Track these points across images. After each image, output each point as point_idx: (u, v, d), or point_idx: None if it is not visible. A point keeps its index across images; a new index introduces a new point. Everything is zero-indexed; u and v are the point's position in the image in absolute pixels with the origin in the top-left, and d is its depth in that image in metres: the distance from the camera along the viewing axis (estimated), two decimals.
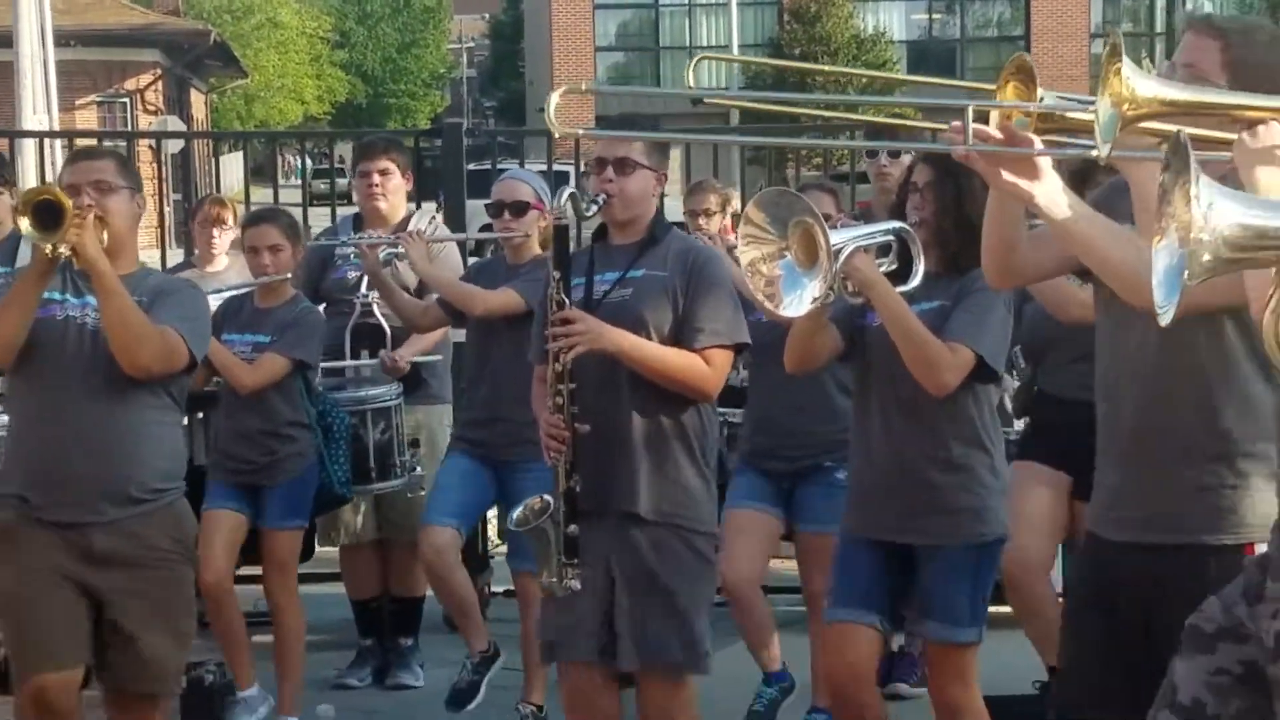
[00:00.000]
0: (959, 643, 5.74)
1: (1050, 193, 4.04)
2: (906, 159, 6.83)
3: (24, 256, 6.43)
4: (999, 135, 3.98)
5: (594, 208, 5.72)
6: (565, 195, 5.61)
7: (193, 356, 5.73)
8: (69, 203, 5.43)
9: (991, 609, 6.97)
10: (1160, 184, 3.12)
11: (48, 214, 5.40)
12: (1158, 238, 3.08)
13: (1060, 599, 7.42)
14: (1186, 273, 3.00)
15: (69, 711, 5.77)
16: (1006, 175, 4.02)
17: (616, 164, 5.69)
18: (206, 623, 8.76)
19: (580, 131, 5.07)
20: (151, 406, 5.74)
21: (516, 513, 5.81)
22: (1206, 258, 2.93)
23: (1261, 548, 4.19)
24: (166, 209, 15.75)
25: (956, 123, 4.01)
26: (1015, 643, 7.08)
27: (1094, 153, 3.70)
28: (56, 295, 5.71)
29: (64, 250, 5.42)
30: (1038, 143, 3.95)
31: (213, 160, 27.96)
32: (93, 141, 11.68)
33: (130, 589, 5.69)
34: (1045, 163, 4.00)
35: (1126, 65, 3.45)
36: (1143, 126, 3.60)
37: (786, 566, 7.76)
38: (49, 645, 5.70)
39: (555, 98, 4.11)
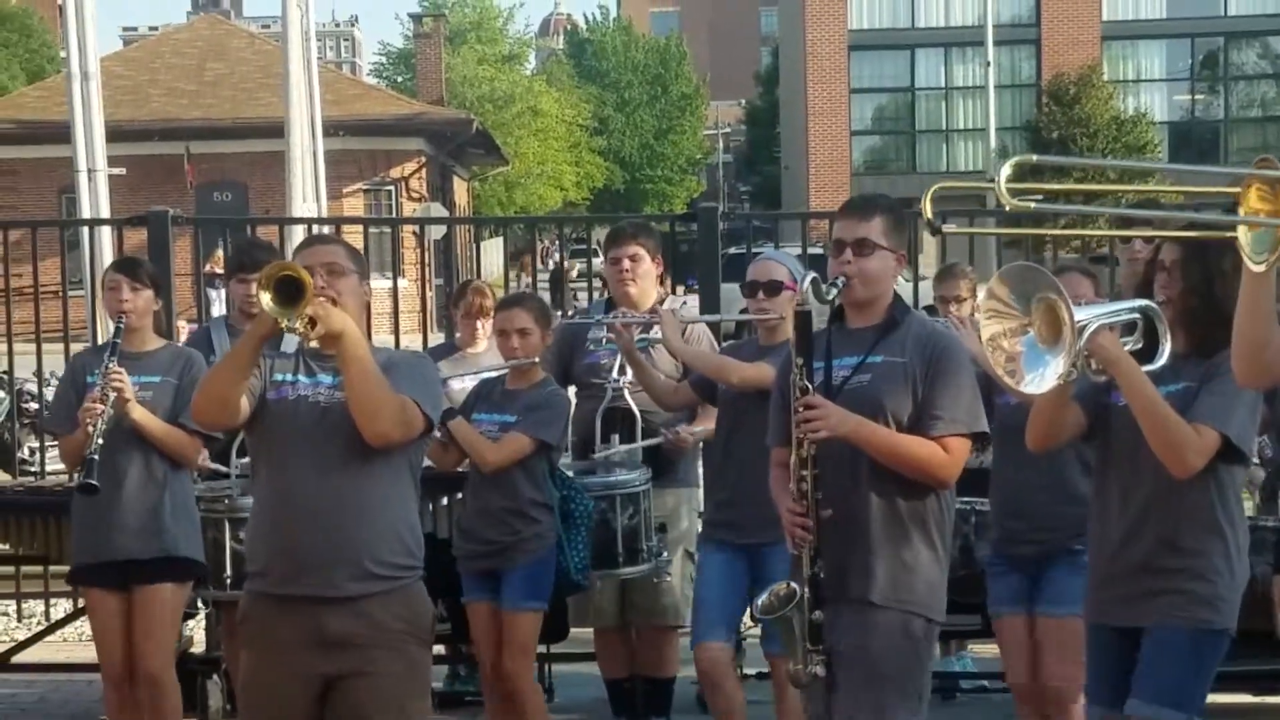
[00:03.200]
0: None
1: None
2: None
3: (289, 344, 6.53)
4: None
5: (834, 291, 5.68)
6: (808, 280, 5.59)
7: (429, 421, 5.75)
8: (309, 279, 5.44)
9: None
10: None
11: (288, 290, 5.42)
12: None
13: None
14: None
15: None
16: None
17: (855, 245, 5.66)
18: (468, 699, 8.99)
19: (1032, 205, 5.01)
20: (388, 480, 5.75)
21: (762, 600, 5.76)
22: None
23: None
24: (429, 293, 15.97)
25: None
26: None
27: None
28: (289, 377, 5.79)
29: (298, 326, 5.45)
30: None
31: (474, 245, 28.41)
32: (359, 228, 11.94)
33: (362, 670, 5.67)
34: None
35: None
36: None
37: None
38: None
39: (1007, 169, 4.06)
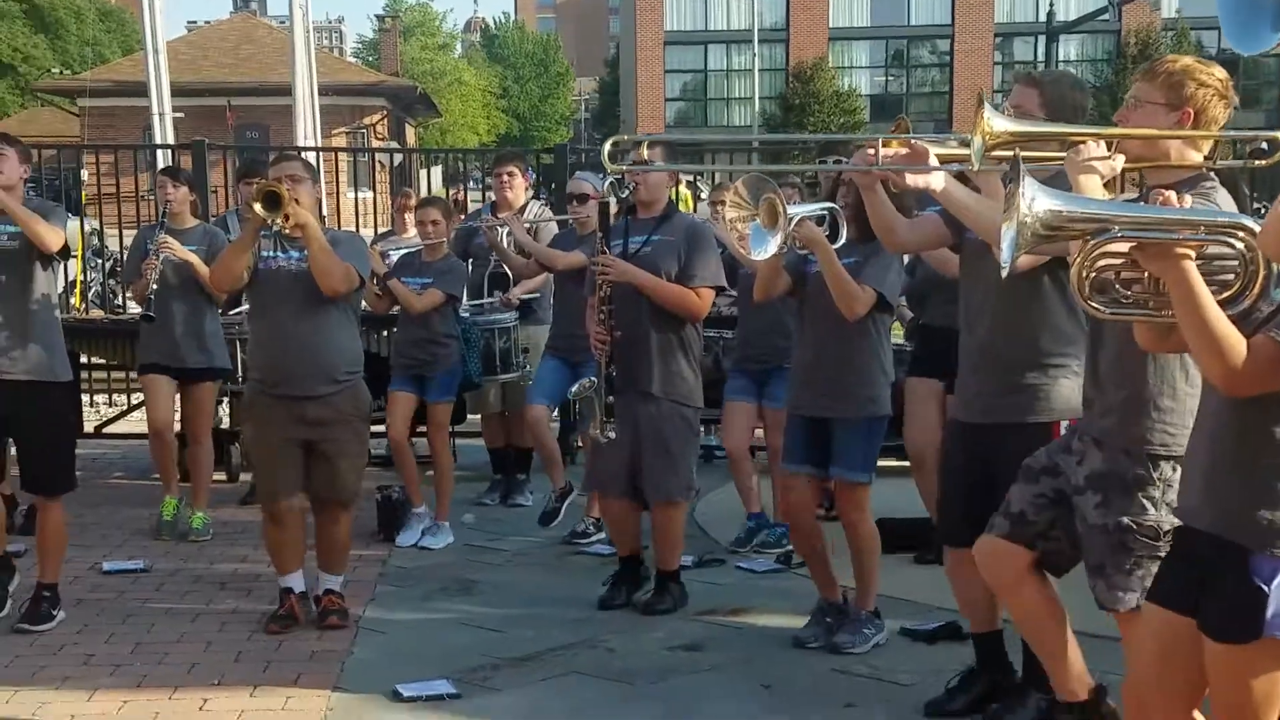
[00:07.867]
0: (856, 482, 5.50)
1: (941, 183, 4.08)
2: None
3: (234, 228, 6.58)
4: (904, 151, 4.00)
5: (625, 191, 5.87)
6: (607, 183, 5.81)
7: (361, 279, 5.77)
8: (285, 192, 5.48)
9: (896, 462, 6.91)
10: (1006, 190, 3.06)
11: (272, 199, 5.47)
12: (1005, 221, 3.01)
13: None
14: (1017, 241, 2.97)
15: (297, 521, 5.89)
16: (909, 178, 4.06)
17: (643, 163, 5.72)
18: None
19: (625, 169, 5.42)
20: (338, 318, 5.78)
21: (574, 388, 6.11)
22: (1029, 234, 2.87)
23: (1063, 426, 4.25)
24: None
25: (869, 151, 4.05)
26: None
27: (967, 168, 3.79)
28: (271, 253, 5.78)
29: (279, 223, 5.51)
30: (933, 156, 3.99)
31: (421, 170, 28.10)
32: (345, 157, 11.81)
33: (329, 437, 5.76)
34: (934, 163, 4.00)
35: (987, 110, 3.43)
36: (1000, 153, 3.52)
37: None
38: (279, 482, 5.81)
39: (608, 146, 4.26)
